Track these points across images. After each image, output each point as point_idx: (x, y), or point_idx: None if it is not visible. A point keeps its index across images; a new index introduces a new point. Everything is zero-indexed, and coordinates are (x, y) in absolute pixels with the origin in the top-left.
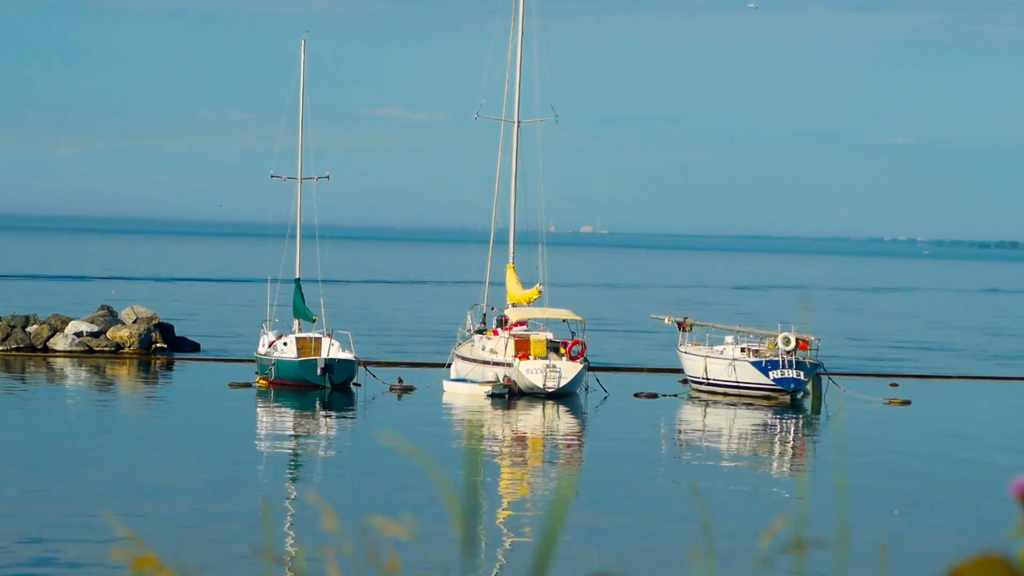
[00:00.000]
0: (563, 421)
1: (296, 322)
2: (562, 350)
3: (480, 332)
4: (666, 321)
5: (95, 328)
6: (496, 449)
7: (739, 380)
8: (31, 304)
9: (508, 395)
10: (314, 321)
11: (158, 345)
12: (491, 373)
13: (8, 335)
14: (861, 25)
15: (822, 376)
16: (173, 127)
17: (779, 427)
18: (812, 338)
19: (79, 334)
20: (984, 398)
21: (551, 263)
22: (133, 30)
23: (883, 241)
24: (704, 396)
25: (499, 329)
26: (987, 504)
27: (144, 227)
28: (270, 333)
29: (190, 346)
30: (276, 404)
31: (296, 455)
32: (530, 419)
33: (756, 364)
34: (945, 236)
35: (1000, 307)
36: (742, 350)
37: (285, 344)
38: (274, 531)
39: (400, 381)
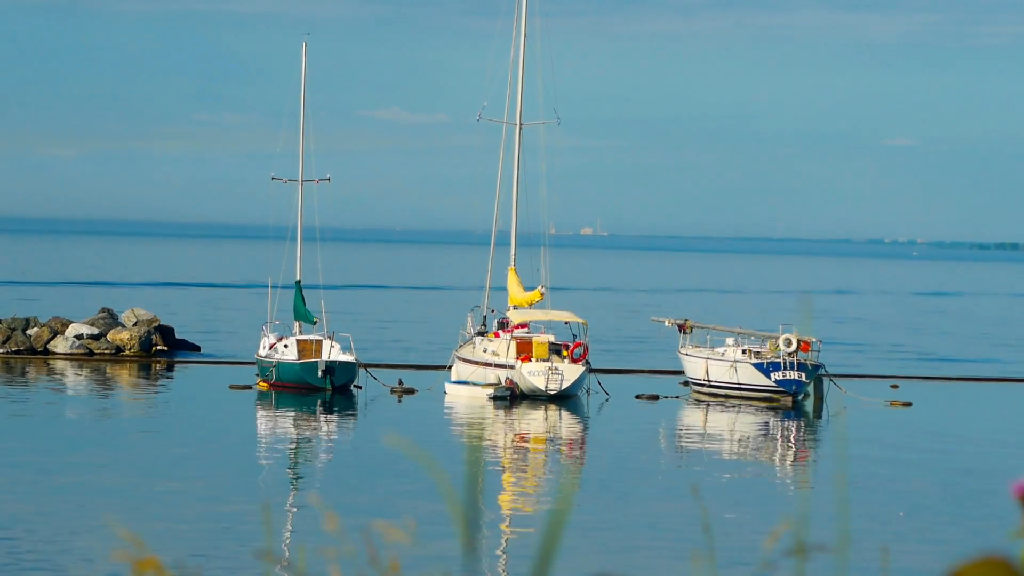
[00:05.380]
0: (565, 423)
1: (297, 324)
2: (564, 352)
3: (481, 334)
4: (666, 323)
5: (95, 331)
6: (498, 451)
7: (740, 382)
8: (31, 307)
9: (510, 397)
10: (315, 323)
11: (158, 347)
12: (492, 375)
13: (8, 338)
14: (860, 25)
15: (823, 378)
16: (171, 129)
17: (780, 429)
18: (813, 339)
19: (79, 337)
20: (985, 399)
21: (552, 265)
22: (131, 32)
23: (883, 243)
24: (705, 398)
25: (500, 331)
26: (988, 505)
27: (143, 230)
28: (271, 335)
29: (191, 348)
30: (277, 406)
31: (297, 457)
32: (532, 421)
33: (758, 366)
34: (945, 237)
35: (994, 308)
36: (743, 352)
37: (286, 346)
38: (275, 533)
39: (401, 383)
